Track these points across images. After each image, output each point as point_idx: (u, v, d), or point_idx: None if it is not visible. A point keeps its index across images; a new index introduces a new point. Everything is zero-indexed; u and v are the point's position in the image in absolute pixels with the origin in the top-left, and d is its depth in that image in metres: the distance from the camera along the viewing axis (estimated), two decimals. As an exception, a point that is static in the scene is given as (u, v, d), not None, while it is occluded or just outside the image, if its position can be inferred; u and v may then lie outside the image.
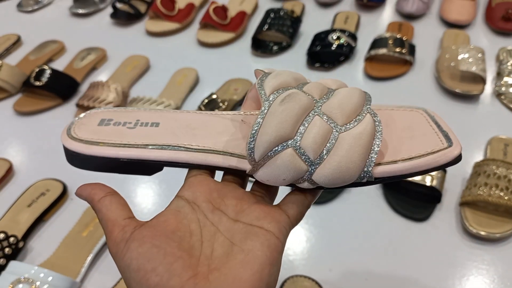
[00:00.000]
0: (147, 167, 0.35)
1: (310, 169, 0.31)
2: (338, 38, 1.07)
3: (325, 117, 0.32)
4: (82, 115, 0.38)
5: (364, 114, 0.32)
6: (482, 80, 0.95)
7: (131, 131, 0.36)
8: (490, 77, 1.00)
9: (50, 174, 0.81)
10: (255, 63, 1.10)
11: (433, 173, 0.74)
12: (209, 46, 1.15)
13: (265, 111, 0.31)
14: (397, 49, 1.02)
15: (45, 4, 1.35)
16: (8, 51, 1.17)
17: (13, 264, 0.65)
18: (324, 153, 0.31)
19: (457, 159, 0.32)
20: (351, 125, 0.32)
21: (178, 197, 0.33)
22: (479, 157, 0.82)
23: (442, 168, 0.33)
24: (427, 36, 1.15)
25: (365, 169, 0.32)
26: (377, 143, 0.32)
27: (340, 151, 0.31)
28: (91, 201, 0.33)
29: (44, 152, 0.88)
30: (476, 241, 0.71)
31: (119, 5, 1.25)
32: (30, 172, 0.84)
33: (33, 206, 0.76)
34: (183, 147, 0.35)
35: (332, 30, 1.10)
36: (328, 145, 0.31)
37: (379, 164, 0.32)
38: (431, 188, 0.73)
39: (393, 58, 1.03)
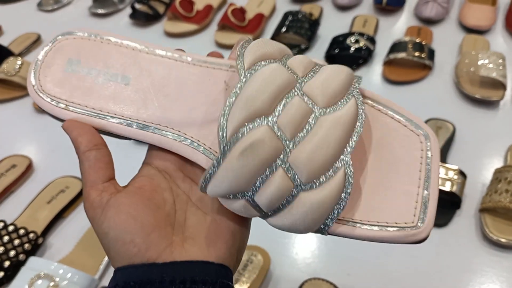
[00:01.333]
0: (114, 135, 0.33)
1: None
2: (357, 41, 1.07)
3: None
4: (45, 48, 0.34)
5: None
6: (502, 86, 0.94)
7: (97, 87, 0.33)
8: (510, 83, 0.99)
9: (69, 172, 0.82)
10: (273, 65, 1.10)
11: (454, 178, 0.74)
12: (226, 48, 1.15)
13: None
14: (417, 54, 1.01)
15: (65, 4, 1.37)
16: (28, 49, 1.19)
17: (32, 260, 0.66)
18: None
19: (419, 242, 0.29)
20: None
21: (147, 164, 0.33)
22: (499, 163, 0.81)
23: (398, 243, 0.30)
24: (446, 41, 1.14)
25: (319, 229, 0.29)
26: (336, 212, 0.28)
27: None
28: (76, 149, 0.31)
29: (63, 150, 0.89)
30: (496, 248, 0.70)
31: (138, 6, 1.26)
32: (50, 169, 0.85)
33: (53, 203, 0.76)
34: (151, 125, 0.32)
35: (351, 33, 1.10)
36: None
37: (338, 220, 0.29)
38: (451, 193, 0.73)
39: (412, 62, 1.03)
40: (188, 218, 0.31)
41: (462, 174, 0.75)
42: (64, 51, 0.34)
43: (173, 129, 0.32)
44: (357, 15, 1.22)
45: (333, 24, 1.22)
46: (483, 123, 0.91)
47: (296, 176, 0.27)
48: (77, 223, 0.76)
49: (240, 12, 1.17)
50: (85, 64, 0.33)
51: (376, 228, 0.29)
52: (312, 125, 0.28)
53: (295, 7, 1.29)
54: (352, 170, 0.28)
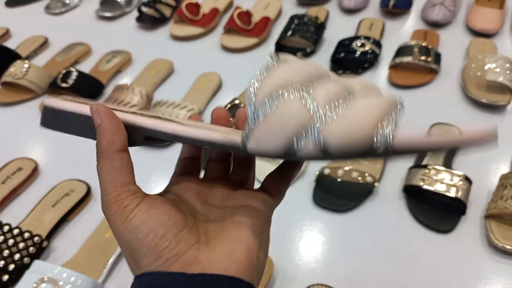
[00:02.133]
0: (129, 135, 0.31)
1: (318, 124, 0.26)
2: (363, 45, 1.07)
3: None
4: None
5: None
6: (509, 91, 0.93)
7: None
8: (518, 87, 0.98)
9: (74, 175, 0.82)
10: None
11: (458, 184, 0.73)
12: (232, 51, 1.15)
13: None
14: (423, 57, 1.01)
15: (72, 7, 1.38)
16: (36, 52, 1.20)
17: (37, 263, 0.67)
18: (337, 108, 0.26)
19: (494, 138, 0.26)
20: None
21: (167, 191, 0.35)
22: (505, 169, 0.81)
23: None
24: (452, 44, 1.13)
25: (385, 131, 0.25)
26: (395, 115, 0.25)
27: (354, 108, 0.26)
28: (108, 144, 0.30)
29: (69, 153, 0.90)
30: (502, 255, 0.69)
31: (144, 9, 1.27)
32: (55, 172, 0.86)
33: (57, 206, 0.77)
34: (173, 121, 0.31)
35: (357, 37, 1.09)
36: (341, 101, 0.26)
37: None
38: (456, 199, 0.72)
39: (418, 66, 1.02)
40: (209, 229, 0.32)
41: (467, 179, 0.74)
42: None
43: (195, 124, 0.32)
44: (363, 19, 1.22)
45: (339, 28, 1.22)
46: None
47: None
48: (82, 227, 0.76)
49: (246, 15, 1.17)
50: None
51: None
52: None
53: (301, 11, 1.29)
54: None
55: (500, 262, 0.68)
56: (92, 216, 0.77)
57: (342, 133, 0.25)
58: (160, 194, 0.33)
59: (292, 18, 1.17)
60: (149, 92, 0.98)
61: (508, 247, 0.68)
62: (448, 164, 0.80)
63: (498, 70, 0.95)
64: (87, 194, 0.79)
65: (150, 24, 1.26)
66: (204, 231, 0.31)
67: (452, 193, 0.73)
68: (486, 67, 0.96)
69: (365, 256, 0.70)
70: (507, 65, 0.96)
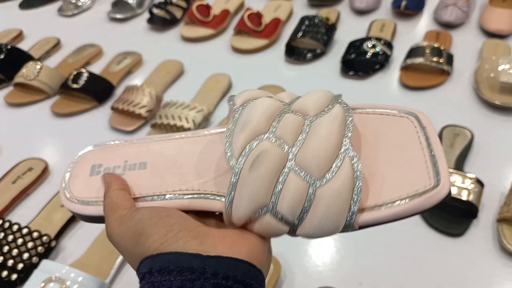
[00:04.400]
0: None
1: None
2: (374, 46, 1.06)
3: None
4: (70, 166, 0.38)
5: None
6: (523, 92, 0.91)
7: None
8: (532, 89, 0.97)
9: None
10: (288, 70, 1.10)
11: (470, 187, 0.72)
12: (242, 52, 1.15)
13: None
14: (435, 59, 0.99)
15: (85, 9, 1.39)
16: (48, 53, 1.21)
17: (45, 263, 0.67)
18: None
19: (445, 199, 0.29)
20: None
21: None
22: (519, 172, 0.79)
23: (428, 211, 0.30)
24: (465, 45, 1.11)
25: (347, 222, 0.29)
26: (356, 197, 0.29)
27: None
28: (107, 186, 0.34)
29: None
30: (515, 260, 0.68)
31: (155, 11, 1.27)
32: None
33: (67, 206, 0.77)
34: (171, 194, 0.35)
35: (368, 38, 1.08)
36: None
37: (363, 210, 0.30)
38: (467, 203, 0.71)
39: (430, 67, 1.01)
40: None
41: (479, 182, 0.73)
42: (86, 162, 0.38)
43: (192, 190, 0.34)
44: (374, 20, 1.21)
45: (350, 29, 1.21)
46: (503, 130, 0.88)
47: (308, 175, 0.29)
48: (90, 227, 0.76)
49: (256, 16, 1.17)
50: (106, 165, 0.38)
51: (399, 203, 0.29)
52: (308, 128, 0.30)
53: (312, 12, 1.28)
54: (357, 154, 0.29)
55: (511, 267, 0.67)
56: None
57: (313, 232, 0.30)
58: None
59: (302, 19, 1.17)
60: (159, 93, 0.99)
61: (522, 251, 0.67)
62: (459, 166, 0.79)
63: (511, 71, 0.93)
64: (96, 194, 0.79)
65: (161, 26, 1.26)
66: (209, 224, 0.32)
67: (463, 196, 0.71)
68: (499, 69, 0.94)
69: (374, 259, 0.69)
70: (521, 66, 0.94)
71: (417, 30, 1.19)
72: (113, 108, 0.97)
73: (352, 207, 0.29)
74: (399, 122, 0.33)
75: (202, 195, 0.34)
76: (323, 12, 1.26)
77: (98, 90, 1.01)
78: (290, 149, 0.30)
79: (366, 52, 1.05)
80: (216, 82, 1.02)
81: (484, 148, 0.84)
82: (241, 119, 0.31)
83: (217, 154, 0.36)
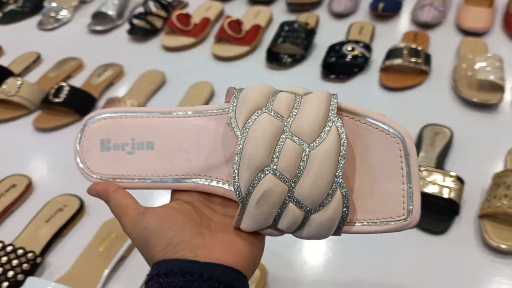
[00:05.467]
0: None
1: (291, 189, 0.34)
2: (353, 49, 1.07)
3: (295, 138, 0.34)
4: (79, 135, 0.41)
5: (329, 128, 0.34)
6: (500, 89, 0.93)
7: (132, 158, 0.40)
8: (509, 85, 0.98)
9: (67, 190, 0.82)
10: (270, 75, 1.11)
11: (451, 185, 0.73)
12: (224, 60, 1.16)
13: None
14: (413, 59, 1.01)
15: (64, 22, 1.39)
16: (29, 68, 1.20)
17: (31, 280, 0.66)
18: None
19: (412, 228, 0.35)
20: (318, 140, 0.34)
21: (173, 199, 0.39)
22: (499, 167, 0.80)
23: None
24: (443, 45, 1.13)
25: (336, 229, 0.35)
26: (346, 208, 0.34)
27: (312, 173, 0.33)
28: (106, 192, 0.38)
29: (62, 168, 0.90)
30: (497, 255, 0.69)
31: (136, 21, 1.27)
32: (49, 187, 0.86)
33: (51, 221, 0.77)
34: (178, 178, 0.39)
35: (347, 41, 1.10)
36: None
37: (349, 221, 0.36)
38: (449, 200, 0.72)
39: (408, 68, 1.02)
40: (212, 225, 0.36)
41: (460, 180, 0.74)
42: (94, 134, 0.41)
43: (199, 175, 0.39)
44: (353, 23, 1.22)
45: (329, 32, 1.22)
46: (482, 127, 0.90)
47: (304, 205, 0.33)
48: (75, 242, 0.76)
49: (236, 24, 1.18)
50: (114, 141, 0.40)
51: (377, 224, 0.35)
52: (305, 162, 0.33)
53: (291, 17, 1.29)
54: (346, 188, 0.34)
55: (495, 262, 0.68)
56: (86, 231, 0.77)
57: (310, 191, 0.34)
58: (162, 206, 0.37)
59: (282, 25, 1.18)
60: (141, 103, 0.99)
61: (503, 246, 0.68)
62: (440, 165, 0.80)
63: (488, 68, 0.95)
64: (80, 209, 0.79)
65: (142, 36, 1.26)
66: (208, 226, 0.36)
67: (445, 194, 0.72)
68: (476, 66, 0.96)
69: (360, 261, 0.70)
70: (498, 63, 0.96)
71: (395, 32, 1.20)
72: (95, 121, 0.96)
73: (338, 225, 0.35)
74: (387, 143, 0.35)
75: (208, 181, 0.38)
76: (303, 17, 1.27)
77: (79, 103, 1.01)
78: (290, 184, 0.33)
79: (345, 55, 1.07)
80: (199, 91, 1.03)
81: (464, 146, 0.85)
82: (246, 154, 0.34)
83: (217, 138, 0.39)
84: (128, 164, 0.40)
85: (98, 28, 1.32)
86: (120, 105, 0.95)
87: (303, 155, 0.33)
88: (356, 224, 0.36)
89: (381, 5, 1.22)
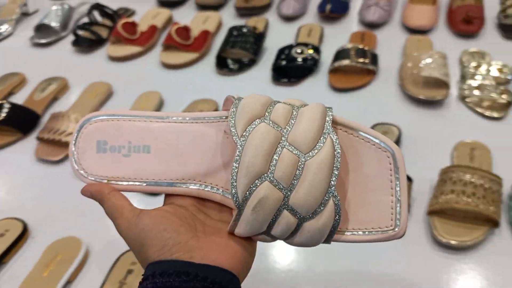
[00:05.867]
0: None
1: (286, 197, 0.35)
2: (302, 52, 1.07)
3: (292, 148, 0.35)
4: (75, 136, 0.41)
5: (325, 139, 0.35)
6: (445, 85, 0.95)
7: (128, 160, 0.40)
8: (454, 81, 1.01)
9: (10, 213, 0.78)
10: (221, 82, 1.09)
11: (400, 184, 0.73)
12: (173, 68, 1.13)
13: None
14: (360, 60, 1.02)
15: (6, 36, 1.33)
16: (-32, 86, 1.14)
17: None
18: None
19: (400, 238, 0.37)
20: (314, 151, 0.35)
21: (167, 203, 0.40)
22: (446, 163, 0.82)
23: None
24: (390, 43, 1.15)
25: (327, 238, 0.36)
26: (338, 217, 0.36)
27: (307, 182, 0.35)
28: (100, 193, 0.38)
29: (4, 189, 0.86)
30: (448, 251, 0.70)
31: (80, 32, 1.23)
32: (-10, 212, 0.81)
33: (-8, 248, 0.73)
34: (173, 182, 0.40)
35: (296, 44, 1.09)
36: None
37: (339, 230, 0.37)
38: (398, 199, 0.72)
39: (356, 68, 1.03)
40: (207, 229, 0.37)
41: (408, 178, 0.75)
42: (90, 135, 0.41)
43: (194, 180, 0.39)
44: (302, 25, 1.23)
45: (279, 36, 1.22)
46: (429, 123, 0.91)
47: (298, 213, 0.35)
48: (19, 268, 0.72)
49: (184, 30, 1.16)
50: (111, 143, 0.41)
51: (366, 233, 0.37)
52: (301, 171, 0.35)
53: (241, 22, 1.28)
54: (339, 197, 0.35)
55: (447, 258, 0.69)
56: (30, 255, 0.73)
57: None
58: (156, 209, 0.37)
59: (231, 30, 1.17)
60: (87, 118, 0.95)
61: (453, 242, 0.68)
62: (390, 164, 0.81)
63: (433, 65, 0.96)
64: (24, 233, 0.75)
65: (87, 47, 1.22)
66: (202, 230, 0.36)
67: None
68: (421, 64, 0.98)
69: (311, 262, 0.69)
70: (442, 59, 0.98)
71: (343, 32, 1.21)
72: (38, 139, 0.92)
73: (330, 234, 0.36)
74: (378, 156, 0.37)
75: (203, 186, 0.39)
76: (252, 21, 1.26)
77: (21, 121, 0.96)
78: (285, 192, 0.35)
79: (295, 59, 1.06)
80: (147, 101, 1.00)
81: (412, 143, 0.86)
82: (244, 162, 0.35)
83: (215, 145, 0.40)
84: (124, 166, 0.40)
85: (41, 41, 1.27)
86: (64, 120, 0.91)
87: (299, 164, 0.35)
88: (346, 233, 0.37)
89: (328, 7, 1.23)
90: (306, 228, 0.35)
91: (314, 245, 0.36)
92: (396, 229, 0.36)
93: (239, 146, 0.35)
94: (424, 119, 0.92)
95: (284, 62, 1.07)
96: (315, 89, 1.04)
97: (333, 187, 0.35)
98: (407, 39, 1.14)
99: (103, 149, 0.40)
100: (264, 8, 1.32)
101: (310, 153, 0.35)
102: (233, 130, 0.36)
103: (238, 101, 0.38)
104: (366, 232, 0.37)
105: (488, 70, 0.96)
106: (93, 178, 0.40)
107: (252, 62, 1.12)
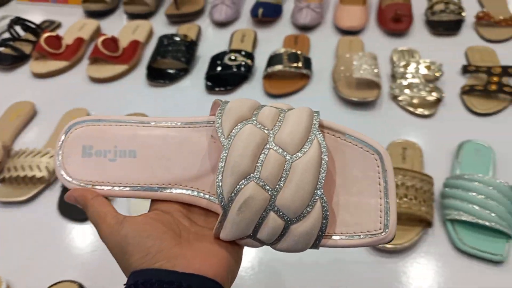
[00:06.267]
0: None
1: (272, 198, 0.35)
2: (234, 59, 1.05)
3: (278, 149, 0.35)
4: (60, 140, 0.40)
5: (311, 141, 0.35)
6: (376, 86, 0.95)
7: (113, 165, 0.40)
8: (387, 80, 1.01)
9: None
10: (153, 93, 1.05)
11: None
12: (101, 82, 1.08)
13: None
14: (293, 64, 1.01)
15: None
16: None
17: None
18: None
19: (390, 242, 0.36)
20: (300, 153, 0.35)
21: (153, 209, 0.39)
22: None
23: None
24: (323, 46, 1.15)
25: (314, 242, 0.35)
26: (325, 221, 0.35)
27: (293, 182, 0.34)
28: (84, 199, 0.38)
29: None
30: (384, 255, 0.69)
31: (0, 49, 1.16)
32: None
33: None
34: (159, 187, 0.39)
35: (228, 51, 1.07)
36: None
37: (327, 235, 0.36)
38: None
39: (290, 73, 1.02)
40: (191, 238, 0.36)
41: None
42: (76, 140, 0.40)
43: (180, 185, 0.39)
44: (235, 31, 1.20)
45: (212, 42, 1.19)
46: (363, 125, 0.92)
47: (285, 215, 0.34)
48: None
49: (111, 41, 1.11)
50: (97, 147, 0.40)
51: (355, 237, 0.36)
52: (288, 172, 0.34)
53: (173, 29, 1.24)
54: (326, 200, 0.35)
55: (384, 263, 0.69)
56: None
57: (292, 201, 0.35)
58: (140, 215, 0.37)
59: (161, 39, 1.13)
60: (7, 142, 0.89)
61: (388, 246, 0.68)
62: (325, 169, 0.80)
63: (364, 66, 0.97)
64: None
65: (9, 65, 1.15)
66: (186, 237, 0.35)
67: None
68: (353, 65, 0.98)
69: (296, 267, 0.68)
70: (372, 60, 0.98)
71: (277, 36, 1.19)
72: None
73: (317, 237, 0.35)
74: (366, 159, 0.37)
75: (189, 191, 0.39)
76: (183, 29, 1.23)
77: None
78: (271, 192, 0.34)
79: (228, 66, 1.04)
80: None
81: (347, 146, 0.86)
82: (230, 161, 0.34)
83: (201, 149, 0.40)
84: (109, 171, 0.40)
85: (-42, 59, 1.18)
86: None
87: (285, 165, 0.34)
88: (333, 237, 0.36)
89: (260, 11, 1.22)
90: (293, 231, 0.34)
91: (302, 250, 0.36)
92: (384, 233, 0.35)
93: (225, 146, 0.35)
94: (358, 121, 0.93)
95: (217, 70, 1.04)
96: (250, 96, 1.00)
97: (321, 189, 0.34)
98: (338, 40, 1.14)
99: (89, 154, 0.40)
100: (196, 14, 1.29)
101: (297, 154, 0.35)
102: (220, 131, 0.36)
103: (225, 104, 0.38)
104: (355, 236, 0.36)
105: (417, 69, 0.97)
106: (77, 183, 0.40)
107: (185, 72, 1.09)
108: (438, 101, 0.93)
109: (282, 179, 0.34)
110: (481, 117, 0.90)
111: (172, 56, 1.08)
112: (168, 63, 1.09)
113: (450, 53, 1.08)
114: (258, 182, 0.34)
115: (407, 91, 0.95)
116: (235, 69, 1.03)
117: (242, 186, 0.34)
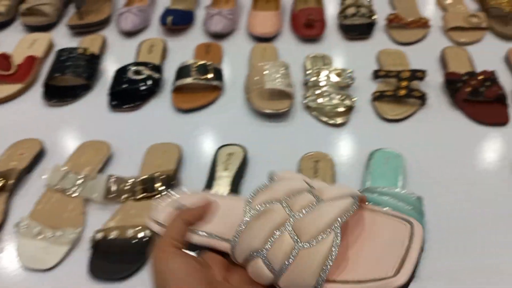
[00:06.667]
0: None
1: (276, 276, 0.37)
2: (139, 72, 0.98)
3: (293, 235, 0.37)
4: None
5: (328, 234, 0.36)
6: (288, 96, 0.92)
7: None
8: (300, 89, 0.98)
9: None
10: (52, 114, 0.96)
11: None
12: (-5, 103, 0.98)
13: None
14: (203, 76, 0.95)
15: None
16: None
17: None
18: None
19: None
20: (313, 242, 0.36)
21: (199, 255, 0.41)
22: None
23: None
24: (237, 54, 1.10)
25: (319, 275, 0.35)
26: (328, 265, 0.35)
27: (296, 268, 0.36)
28: (177, 215, 0.42)
29: None
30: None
31: None
32: None
33: None
34: (222, 238, 0.41)
35: (133, 64, 1.00)
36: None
37: (333, 281, 0.36)
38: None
39: (201, 86, 0.96)
40: None
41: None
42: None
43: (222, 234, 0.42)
44: (143, 41, 1.13)
45: (119, 54, 1.11)
46: (276, 138, 0.88)
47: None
48: None
49: (2, 58, 1.00)
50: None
51: (362, 283, 0.35)
52: (293, 258, 0.36)
53: (76, 41, 1.15)
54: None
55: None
56: None
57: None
58: (189, 257, 0.39)
59: (59, 54, 1.03)
60: None
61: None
62: (235, 189, 0.76)
63: (275, 76, 0.93)
64: None
65: None
66: None
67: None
68: (264, 76, 0.94)
69: None
70: (283, 69, 0.95)
71: (188, 45, 1.13)
72: None
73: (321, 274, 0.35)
74: (396, 225, 0.39)
75: (212, 236, 0.42)
76: (86, 41, 1.13)
77: None
78: (275, 272, 0.36)
79: (133, 81, 0.97)
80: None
81: (261, 161, 0.82)
82: (248, 234, 0.38)
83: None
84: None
85: None
86: None
87: (293, 251, 0.36)
88: (342, 284, 0.36)
89: (170, 19, 1.15)
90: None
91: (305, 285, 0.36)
92: (395, 277, 0.34)
93: (248, 215, 0.39)
94: (272, 134, 0.89)
95: (121, 86, 0.97)
96: (159, 112, 0.95)
97: (322, 279, 0.35)
98: (252, 48, 1.10)
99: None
100: (102, 24, 1.20)
101: (309, 242, 0.36)
102: (247, 205, 0.40)
103: (272, 181, 0.44)
104: (363, 283, 0.36)
105: (328, 77, 0.95)
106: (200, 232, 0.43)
107: (87, 88, 1.00)
108: (350, 109, 0.91)
109: (286, 265, 0.36)
110: (392, 123, 0.89)
111: (72, 72, 0.99)
112: (68, 80, 1.00)
113: (363, 57, 1.07)
114: (264, 261, 0.37)
115: (320, 100, 0.92)
116: (141, 84, 0.97)
117: (252, 258, 0.37)
